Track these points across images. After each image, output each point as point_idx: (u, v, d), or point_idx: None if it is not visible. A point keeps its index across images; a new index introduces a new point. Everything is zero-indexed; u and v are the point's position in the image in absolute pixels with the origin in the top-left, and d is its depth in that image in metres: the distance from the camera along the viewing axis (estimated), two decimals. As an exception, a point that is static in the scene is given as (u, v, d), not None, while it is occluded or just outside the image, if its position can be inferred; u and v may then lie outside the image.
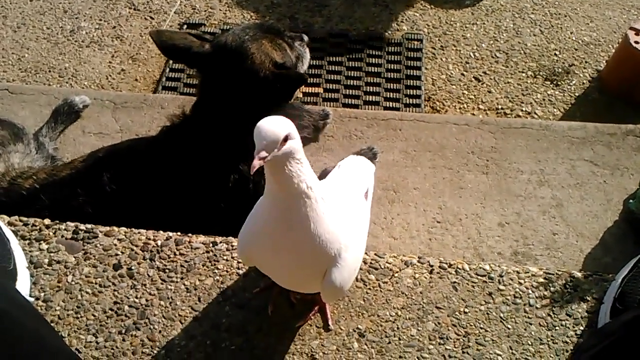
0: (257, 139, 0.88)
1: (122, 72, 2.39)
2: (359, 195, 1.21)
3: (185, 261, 1.38)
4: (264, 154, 0.87)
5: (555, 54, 2.40)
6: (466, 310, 1.31)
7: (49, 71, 2.38)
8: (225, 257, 1.39)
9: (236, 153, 1.52)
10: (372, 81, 2.31)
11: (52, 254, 1.39)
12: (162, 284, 1.35)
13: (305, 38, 1.72)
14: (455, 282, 1.35)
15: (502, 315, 1.30)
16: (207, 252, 1.40)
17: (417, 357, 1.24)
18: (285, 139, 0.88)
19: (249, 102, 1.49)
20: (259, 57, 1.48)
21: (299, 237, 0.99)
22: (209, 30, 2.50)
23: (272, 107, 1.54)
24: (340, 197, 1.09)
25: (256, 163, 0.86)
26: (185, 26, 2.55)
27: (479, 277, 1.36)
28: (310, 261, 1.03)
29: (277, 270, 1.12)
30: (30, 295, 1.32)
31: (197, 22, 2.57)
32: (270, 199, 0.98)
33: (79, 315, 1.30)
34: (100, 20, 2.58)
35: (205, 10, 2.61)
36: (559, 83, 2.30)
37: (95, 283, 1.35)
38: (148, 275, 1.36)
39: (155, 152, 1.58)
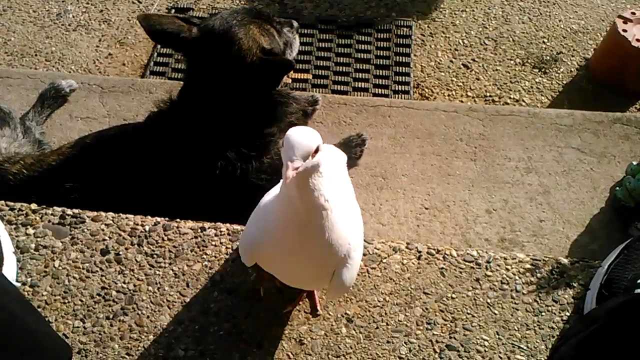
0: (290, 148, 0.85)
1: (110, 57, 2.37)
2: (351, 190, 1.20)
3: (174, 246, 1.38)
4: (298, 163, 0.84)
5: (543, 42, 2.40)
6: (453, 296, 1.32)
7: (36, 55, 2.36)
8: (213, 243, 1.38)
9: (223, 139, 1.51)
10: (361, 67, 2.31)
11: (38, 239, 1.39)
12: (150, 269, 1.34)
13: (295, 24, 1.71)
14: (443, 268, 1.36)
15: (489, 301, 1.31)
16: (196, 237, 1.39)
17: (405, 342, 1.25)
18: (317, 150, 0.86)
19: (235, 88, 1.48)
20: (247, 43, 1.47)
21: (313, 244, 0.99)
22: (197, 15, 2.48)
23: (259, 94, 1.53)
24: (347, 199, 1.09)
25: (290, 173, 0.83)
26: (173, 10, 2.52)
27: (466, 263, 1.37)
28: (321, 264, 1.03)
29: (284, 271, 1.12)
30: (17, 280, 1.31)
31: (185, 6, 2.54)
32: (285, 208, 0.96)
33: (66, 301, 1.30)
34: (87, 3, 2.55)
35: (193, -5, 2.59)
36: (547, 71, 2.31)
37: (83, 268, 1.34)
38: (136, 260, 1.36)
39: (142, 138, 1.57)
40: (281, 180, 0.99)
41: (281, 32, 1.63)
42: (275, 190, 1.07)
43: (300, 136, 0.86)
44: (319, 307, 1.28)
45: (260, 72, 1.47)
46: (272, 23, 1.60)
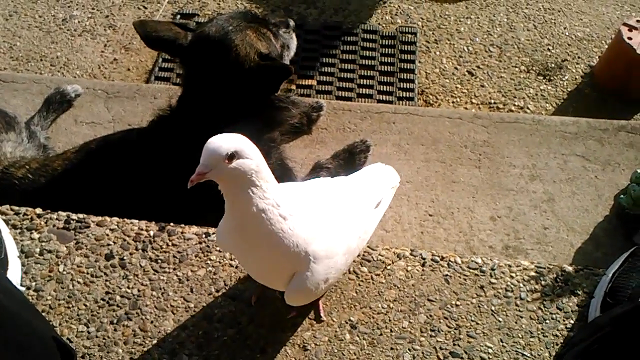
0: (202, 153, 0.86)
1: (115, 62, 2.38)
2: (361, 205, 1.17)
3: (178, 252, 1.38)
4: (202, 169, 0.85)
5: (548, 49, 2.41)
6: (458, 303, 1.31)
7: (41, 60, 2.37)
8: (218, 248, 1.38)
9: None
10: (365, 74, 2.31)
11: (43, 244, 1.39)
12: (154, 274, 1.34)
13: (291, 23, 1.69)
14: (447, 275, 1.36)
15: (493, 308, 1.31)
16: (200, 243, 1.40)
17: (409, 349, 1.25)
18: (232, 157, 0.86)
19: (234, 94, 1.47)
20: (244, 49, 1.46)
21: (258, 249, 1.00)
22: (202, 21, 2.48)
23: (258, 100, 1.53)
24: (318, 210, 1.07)
25: (193, 178, 0.85)
26: (178, 16, 2.53)
27: (470, 271, 1.36)
28: (270, 269, 1.04)
29: (245, 265, 1.15)
30: (21, 285, 1.32)
31: (190, 12, 2.55)
32: (227, 210, 0.98)
33: (70, 305, 1.30)
34: (93, 9, 2.56)
35: (199, 0, 2.60)
36: (552, 78, 2.31)
37: (87, 273, 1.34)
38: (140, 265, 1.36)
39: (144, 145, 1.57)
40: None
41: (277, 34, 1.62)
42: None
43: (215, 141, 0.86)
44: (322, 314, 1.28)
45: (259, 78, 1.46)
46: (268, 26, 1.59)
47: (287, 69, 1.49)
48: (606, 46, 2.36)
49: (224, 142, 0.86)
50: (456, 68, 2.35)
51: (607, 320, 1.21)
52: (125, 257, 1.37)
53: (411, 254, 1.39)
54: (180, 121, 1.52)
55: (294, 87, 2.26)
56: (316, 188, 1.14)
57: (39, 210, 1.45)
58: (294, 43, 1.70)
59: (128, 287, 1.32)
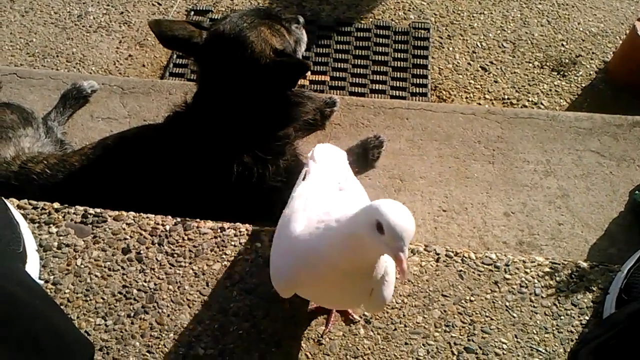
0: (399, 235, 0.79)
1: (130, 58, 2.39)
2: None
3: (194, 246, 1.39)
4: (407, 251, 0.80)
5: (562, 45, 2.40)
6: (472, 298, 1.32)
7: (57, 56, 2.39)
8: (233, 243, 1.40)
9: (238, 142, 1.51)
10: (379, 70, 2.31)
11: (61, 238, 1.40)
12: (170, 268, 1.36)
13: (301, 20, 1.69)
14: (461, 270, 1.36)
15: (507, 304, 1.31)
16: (215, 237, 1.41)
17: (423, 344, 1.25)
18: None
19: (250, 91, 1.48)
20: (259, 46, 1.46)
21: (360, 280, 0.97)
22: (216, 17, 2.49)
23: (274, 95, 1.53)
24: None
25: (406, 266, 0.79)
26: (192, 12, 2.54)
27: (485, 266, 1.37)
28: (362, 290, 1.01)
29: (322, 298, 1.12)
30: (40, 278, 1.33)
31: (204, 8, 2.56)
32: (334, 254, 0.92)
33: (88, 299, 1.31)
34: (108, 5, 2.58)
35: (212, -3, 2.61)
36: (566, 74, 2.30)
37: (104, 267, 1.36)
38: (157, 259, 1.37)
39: (160, 141, 1.58)
40: (297, 208, 1.03)
41: (290, 30, 1.62)
42: (294, 213, 1.04)
43: (405, 221, 0.80)
44: (330, 325, 1.28)
45: (275, 74, 1.47)
46: (281, 22, 1.59)
47: (305, 65, 1.50)
48: (620, 42, 2.34)
49: (411, 218, 0.81)
50: (469, 64, 2.34)
51: (622, 317, 1.21)
52: (142, 251, 1.38)
53: (425, 249, 1.40)
54: (197, 118, 1.53)
55: (307, 82, 2.27)
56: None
57: (56, 205, 1.47)
58: (304, 39, 1.71)
59: (145, 281, 1.34)
